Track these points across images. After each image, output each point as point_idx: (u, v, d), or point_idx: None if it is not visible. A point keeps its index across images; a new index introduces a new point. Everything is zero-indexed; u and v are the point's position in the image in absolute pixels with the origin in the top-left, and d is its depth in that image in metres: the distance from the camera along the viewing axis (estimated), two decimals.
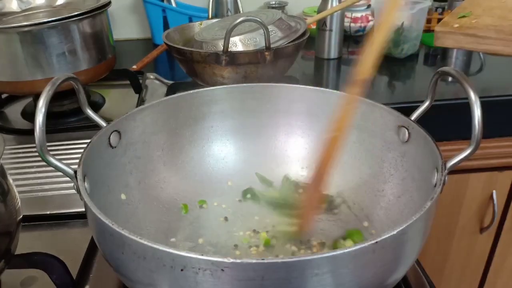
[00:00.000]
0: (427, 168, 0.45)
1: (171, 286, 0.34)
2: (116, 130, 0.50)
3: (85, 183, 0.41)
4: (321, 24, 1.05)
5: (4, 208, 0.41)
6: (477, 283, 1.13)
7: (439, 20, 1.20)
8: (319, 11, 1.03)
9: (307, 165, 0.60)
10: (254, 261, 0.30)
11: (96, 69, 0.81)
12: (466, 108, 0.40)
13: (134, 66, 1.01)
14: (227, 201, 0.57)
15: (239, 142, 0.61)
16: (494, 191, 0.98)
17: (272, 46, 0.72)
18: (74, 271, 0.47)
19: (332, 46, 1.08)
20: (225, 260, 0.30)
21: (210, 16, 1.20)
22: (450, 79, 0.91)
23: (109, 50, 0.84)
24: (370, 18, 1.22)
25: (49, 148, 0.40)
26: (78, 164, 0.42)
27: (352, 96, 0.45)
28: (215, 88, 0.60)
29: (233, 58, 0.72)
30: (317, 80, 1.01)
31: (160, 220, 0.53)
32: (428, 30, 1.19)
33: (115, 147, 0.50)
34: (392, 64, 1.07)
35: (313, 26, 1.11)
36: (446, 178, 0.40)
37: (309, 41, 0.86)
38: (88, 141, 0.46)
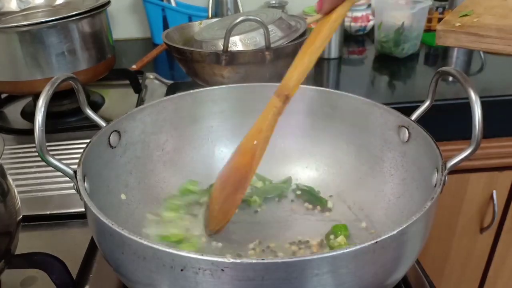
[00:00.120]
0: (427, 168, 0.45)
1: (171, 286, 0.34)
2: (115, 130, 0.50)
3: (85, 183, 0.41)
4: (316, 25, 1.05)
5: (4, 208, 0.41)
6: (477, 283, 1.13)
7: (439, 19, 1.20)
8: None
9: (307, 165, 0.60)
10: (254, 261, 0.30)
11: (96, 69, 0.81)
12: (467, 108, 0.40)
13: (134, 66, 1.01)
14: None
15: (239, 142, 0.61)
16: (494, 191, 0.98)
17: (272, 45, 0.72)
18: (74, 271, 0.47)
19: (332, 46, 1.07)
20: (225, 260, 0.30)
21: (210, 16, 1.20)
22: (450, 79, 0.92)
23: (108, 50, 0.84)
24: (370, 17, 1.22)
25: (48, 148, 0.40)
26: (78, 164, 0.42)
27: (277, 104, 0.45)
28: (215, 88, 0.60)
29: (233, 58, 0.71)
30: (317, 79, 1.01)
31: None
32: (428, 30, 1.19)
33: (115, 147, 0.50)
34: (393, 64, 1.07)
35: (314, 26, 1.11)
36: (446, 178, 0.40)
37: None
38: (87, 141, 0.46)
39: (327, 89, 0.58)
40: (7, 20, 0.84)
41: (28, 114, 0.85)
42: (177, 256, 0.32)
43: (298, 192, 0.57)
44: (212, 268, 0.31)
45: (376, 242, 0.32)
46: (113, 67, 0.88)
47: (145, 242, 0.32)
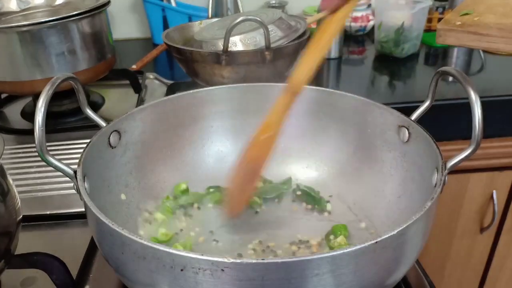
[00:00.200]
0: (427, 168, 0.45)
1: (171, 286, 0.34)
2: (116, 130, 0.50)
3: (85, 183, 0.41)
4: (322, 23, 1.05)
5: (4, 208, 0.41)
6: (477, 283, 1.13)
7: (439, 19, 1.20)
8: (319, 11, 1.03)
9: (307, 165, 0.60)
10: (254, 261, 0.30)
11: (96, 69, 0.81)
12: (467, 108, 0.40)
13: (134, 66, 1.01)
14: None
15: (239, 142, 0.61)
16: (494, 191, 0.98)
17: (272, 45, 0.72)
18: (74, 271, 0.47)
19: (332, 46, 1.07)
20: (225, 260, 0.30)
21: (210, 16, 1.20)
22: (450, 78, 0.91)
23: (108, 50, 0.83)
24: (370, 17, 1.22)
25: (48, 148, 0.40)
26: (78, 164, 0.42)
27: (285, 100, 0.47)
28: (215, 88, 0.60)
29: (233, 58, 0.71)
30: (317, 79, 1.01)
31: None
32: (428, 30, 1.19)
33: (115, 147, 0.50)
34: (393, 64, 1.07)
35: (314, 26, 1.11)
36: (446, 178, 0.40)
37: (309, 40, 0.86)
38: (87, 141, 0.46)
39: (327, 89, 0.58)
40: (7, 20, 0.84)
41: (28, 114, 0.85)
42: (177, 256, 0.32)
43: (298, 193, 0.57)
44: (212, 268, 0.31)
45: (376, 242, 0.32)
46: (113, 67, 0.87)
47: (145, 242, 0.32)
